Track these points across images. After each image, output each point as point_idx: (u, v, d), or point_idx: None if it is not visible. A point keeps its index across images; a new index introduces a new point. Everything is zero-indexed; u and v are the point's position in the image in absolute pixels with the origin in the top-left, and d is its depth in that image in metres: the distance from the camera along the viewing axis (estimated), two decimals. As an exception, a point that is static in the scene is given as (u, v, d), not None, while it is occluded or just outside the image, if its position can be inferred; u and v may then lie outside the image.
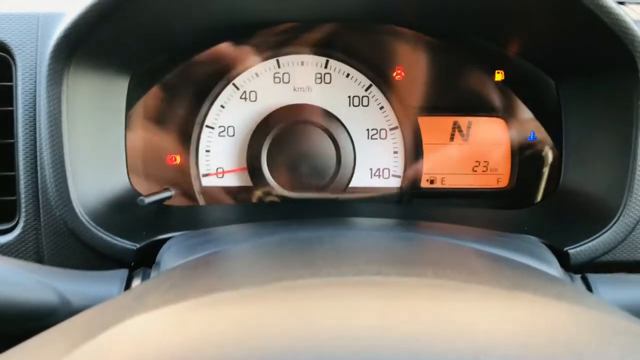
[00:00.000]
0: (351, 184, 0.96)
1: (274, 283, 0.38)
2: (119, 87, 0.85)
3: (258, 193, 0.95)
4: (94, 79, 0.78)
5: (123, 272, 0.64)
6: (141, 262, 0.73)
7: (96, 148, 0.80)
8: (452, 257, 0.47)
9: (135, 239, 0.74)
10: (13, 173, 0.76)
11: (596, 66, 0.77)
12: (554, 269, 0.60)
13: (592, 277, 0.64)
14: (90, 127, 0.79)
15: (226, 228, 0.72)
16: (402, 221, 0.70)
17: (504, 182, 0.97)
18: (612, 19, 0.66)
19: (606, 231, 0.72)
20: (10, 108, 0.76)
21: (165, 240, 0.73)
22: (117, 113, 0.85)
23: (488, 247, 0.58)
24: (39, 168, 0.74)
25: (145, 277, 0.63)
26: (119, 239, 0.73)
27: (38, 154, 0.74)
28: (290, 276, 0.39)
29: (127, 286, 0.62)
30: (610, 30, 0.66)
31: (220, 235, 0.67)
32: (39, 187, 0.75)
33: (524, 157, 0.96)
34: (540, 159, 0.94)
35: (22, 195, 0.76)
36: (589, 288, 0.63)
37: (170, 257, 0.63)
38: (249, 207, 0.93)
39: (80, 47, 0.71)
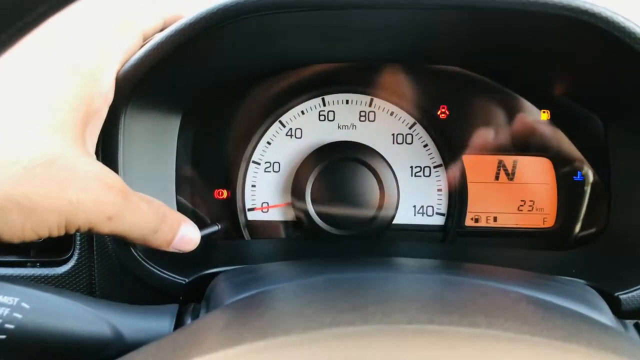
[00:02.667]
0: (395, 221, 0.96)
1: (326, 329, 0.39)
2: (172, 124, 0.89)
3: (302, 228, 0.96)
4: (149, 117, 0.81)
5: (174, 307, 0.65)
6: (190, 296, 0.74)
7: (148, 184, 0.83)
8: (503, 304, 0.47)
9: (184, 273, 0.76)
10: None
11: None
12: (605, 315, 0.58)
13: (646, 326, 0.63)
14: (143, 164, 0.82)
15: (273, 265, 0.73)
16: (448, 262, 0.70)
17: (550, 222, 0.96)
18: (664, 62, 0.65)
19: (659, 277, 0.70)
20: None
21: (213, 274, 0.75)
22: (169, 149, 0.88)
23: (537, 292, 0.58)
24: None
25: (195, 312, 0.65)
26: (168, 273, 0.75)
27: (94, 189, 0.77)
28: (343, 322, 0.40)
29: (178, 321, 0.64)
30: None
31: (268, 272, 0.68)
32: (94, 220, 0.78)
33: (571, 197, 0.95)
34: (587, 199, 0.93)
35: (78, 229, 0.79)
36: (643, 337, 0.62)
37: (219, 294, 0.65)
38: (293, 243, 0.94)
39: (139, 88, 0.74)
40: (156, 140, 0.85)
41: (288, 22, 0.73)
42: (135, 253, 0.74)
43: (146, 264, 0.75)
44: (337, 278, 0.58)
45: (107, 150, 0.75)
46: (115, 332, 0.60)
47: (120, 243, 0.75)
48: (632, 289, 0.71)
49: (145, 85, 0.74)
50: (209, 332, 0.45)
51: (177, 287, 0.74)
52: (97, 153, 0.74)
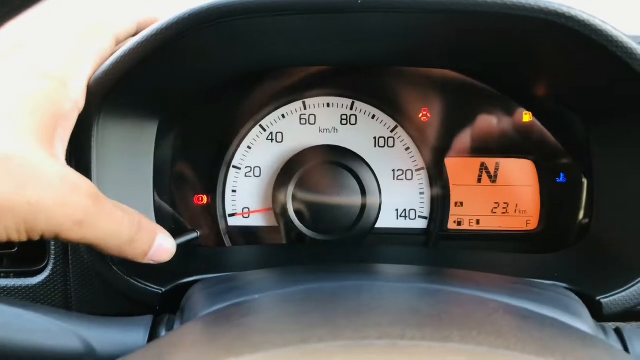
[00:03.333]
0: (377, 225, 0.95)
1: (294, 346, 0.38)
2: (149, 129, 0.87)
3: (283, 233, 0.95)
4: (124, 122, 0.79)
5: (147, 319, 0.64)
6: (168, 305, 0.73)
7: (124, 191, 0.81)
8: (480, 316, 0.46)
9: (161, 283, 0.74)
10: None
11: (626, 108, 0.76)
12: (586, 323, 0.58)
13: (627, 330, 0.62)
14: (118, 171, 0.80)
15: (250, 274, 0.71)
16: (427, 269, 0.69)
17: (533, 225, 0.95)
18: (642, 65, 0.65)
19: (641, 280, 0.70)
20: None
21: (191, 283, 0.73)
22: (146, 155, 0.86)
23: (516, 299, 0.57)
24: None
25: (169, 324, 0.63)
26: (144, 282, 0.73)
27: (68, 197, 0.75)
28: (312, 338, 0.39)
29: (152, 333, 0.62)
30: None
31: (244, 282, 0.67)
32: (69, 229, 0.76)
33: (554, 199, 0.95)
34: (570, 202, 0.92)
35: (52, 238, 0.77)
36: (623, 342, 0.61)
37: (194, 305, 0.63)
38: (274, 249, 0.93)
39: (112, 93, 0.72)
40: (132, 146, 0.83)
41: (265, 26, 0.72)
42: (110, 263, 0.73)
43: (121, 274, 0.73)
44: (313, 289, 0.57)
45: (79, 157, 0.73)
46: (87, 346, 0.58)
47: (95, 252, 0.73)
48: (613, 293, 0.70)
49: (118, 90, 0.72)
50: (178, 347, 0.44)
51: (154, 296, 0.73)
52: (69, 160, 0.72)
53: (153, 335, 0.62)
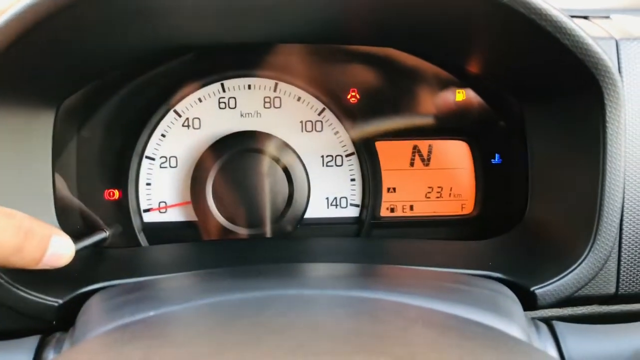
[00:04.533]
0: (307, 215, 0.89)
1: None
2: (43, 119, 0.77)
3: (204, 229, 0.88)
4: (8, 113, 0.70)
5: (33, 341, 0.56)
6: (68, 320, 0.65)
7: (16, 190, 0.72)
8: (395, 333, 0.40)
9: (57, 293, 0.66)
10: None
11: (560, 89, 0.72)
12: (516, 323, 0.53)
13: (559, 327, 0.59)
14: (8, 168, 0.71)
15: (160, 281, 0.64)
16: (353, 270, 0.64)
17: (468, 209, 0.92)
18: (573, 41, 0.60)
19: (575, 269, 0.66)
20: None
21: (95, 291, 0.65)
22: (41, 148, 0.77)
23: (443, 303, 0.52)
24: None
25: (58, 346, 0.56)
26: (36, 294, 0.64)
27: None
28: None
29: (38, 357, 0.55)
30: (572, 53, 0.61)
31: (151, 293, 0.60)
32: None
33: (490, 181, 0.91)
34: (506, 185, 0.88)
35: None
36: (555, 339, 0.58)
37: (87, 322, 0.56)
38: (195, 247, 0.85)
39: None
40: (22, 138, 0.74)
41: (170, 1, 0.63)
42: (-4, 272, 0.64)
43: (8, 285, 0.64)
44: (220, 303, 0.50)
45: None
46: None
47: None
48: (547, 283, 0.67)
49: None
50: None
51: (49, 311, 0.64)
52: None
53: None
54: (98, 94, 0.86)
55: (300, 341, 0.38)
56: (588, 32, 0.62)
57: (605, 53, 0.62)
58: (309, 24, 0.78)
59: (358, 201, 0.91)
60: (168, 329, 0.50)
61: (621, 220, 0.73)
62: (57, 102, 0.78)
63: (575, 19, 0.81)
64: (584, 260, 0.66)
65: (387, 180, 0.90)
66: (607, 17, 0.83)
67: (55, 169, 0.78)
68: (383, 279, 0.60)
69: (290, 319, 0.44)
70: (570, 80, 0.68)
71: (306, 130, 0.90)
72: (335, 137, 0.90)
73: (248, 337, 0.41)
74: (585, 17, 0.83)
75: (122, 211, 0.87)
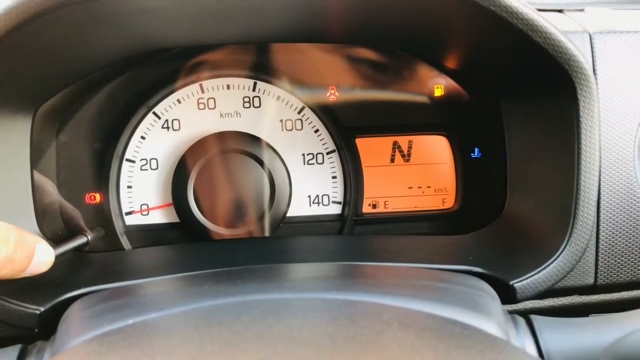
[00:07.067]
0: (289, 214, 0.89)
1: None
2: (19, 124, 0.76)
3: (186, 231, 0.88)
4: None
5: (13, 351, 0.56)
6: (50, 327, 0.64)
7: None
8: (369, 338, 0.41)
9: (38, 301, 0.65)
10: None
11: (536, 85, 0.72)
12: (494, 320, 0.54)
13: (537, 321, 0.59)
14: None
15: (138, 287, 0.64)
16: (333, 270, 0.64)
17: (449, 203, 0.92)
18: (545, 38, 0.60)
19: (552, 262, 0.67)
20: None
21: (77, 297, 0.65)
22: (19, 153, 0.76)
23: (421, 301, 0.53)
24: None
25: (39, 355, 0.56)
26: (17, 302, 0.64)
27: None
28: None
29: (19, 367, 0.55)
30: (544, 50, 0.61)
31: (132, 300, 0.59)
32: None
33: (470, 175, 0.91)
34: (486, 178, 0.89)
35: None
36: (533, 333, 0.58)
37: (67, 331, 0.56)
38: (178, 249, 0.85)
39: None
40: (2, 146, 0.73)
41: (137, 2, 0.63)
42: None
43: (-13, 294, 0.64)
44: (198, 310, 0.51)
45: None
46: None
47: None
48: (525, 277, 0.67)
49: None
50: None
51: (30, 318, 0.64)
52: None
53: (20, 370, 0.54)
54: (75, 98, 0.85)
55: (276, 349, 0.38)
56: (561, 27, 0.62)
57: (577, 49, 0.63)
58: (287, 24, 0.78)
59: (340, 198, 0.91)
60: (146, 338, 0.50)
61: (598, 212, 0.74)
62: (34, 106, 0.78)
63: (549, 13, 0.83)
64: (561, 253, 0.67)
65: (368, 177, 0.91)
66: (582, 10, 0.83)
67: (34, 174, 0.78)
68: (362, 279, 0.60)
69: (267, 325, 0.45)
70: (544, 77, 0.68)
71: (286, 129, 0.90)
72: (315, 135, 0.90)
73: (224, 346, 0.42)
74: (560, 11, 0.83)
75: (104, 214, 0.87)
